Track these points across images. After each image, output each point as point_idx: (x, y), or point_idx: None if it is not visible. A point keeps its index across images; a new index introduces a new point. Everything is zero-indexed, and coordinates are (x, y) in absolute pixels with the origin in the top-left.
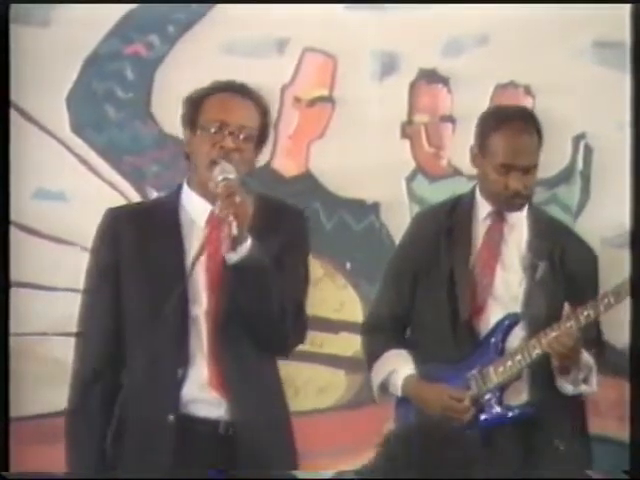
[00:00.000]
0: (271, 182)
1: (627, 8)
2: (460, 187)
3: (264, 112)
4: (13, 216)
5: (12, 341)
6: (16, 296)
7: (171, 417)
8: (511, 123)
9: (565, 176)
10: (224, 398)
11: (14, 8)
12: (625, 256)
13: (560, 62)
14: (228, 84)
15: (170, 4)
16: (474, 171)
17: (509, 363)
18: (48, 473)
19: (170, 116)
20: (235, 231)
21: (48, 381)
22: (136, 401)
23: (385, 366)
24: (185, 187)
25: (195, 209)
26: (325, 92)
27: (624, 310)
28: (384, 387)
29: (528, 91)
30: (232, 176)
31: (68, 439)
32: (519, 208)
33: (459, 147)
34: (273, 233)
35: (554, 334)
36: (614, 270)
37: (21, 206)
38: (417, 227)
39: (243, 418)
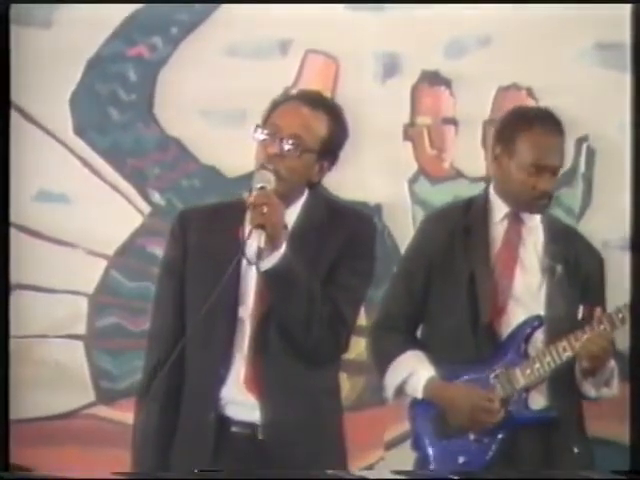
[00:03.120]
0: None
1: (628, 8)
2: (462, 189)
3: (334, 126)
4: (15, 218)
5: (12, 343)
6: (17, 298)
7: (212, 416)
8: (541, 123)
9: (567, 178)
10: (258, 400)
11: (14, 8)
12: (627, 259)
13: (563, 64)
14: (307, 93)
15: (173, 5)
16: (477, 173)
17: (537, 365)
18: (48, 475)
19: (173, 118)
20: (262, 243)
21: (48, 384)
22: (188, 399)
23: (403, 368)
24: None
25: None
26: (327, 94)
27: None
28: (401, 389)
29: (530, 93)
30: (268, 186)
31: (134, 434)
32: (542, 210)
33: (461, 149)
34: (335, 238)
35: (587, 336)
36: (616, 273)
37: (23, 208)
38: (430, 227)
39: (276, 421)
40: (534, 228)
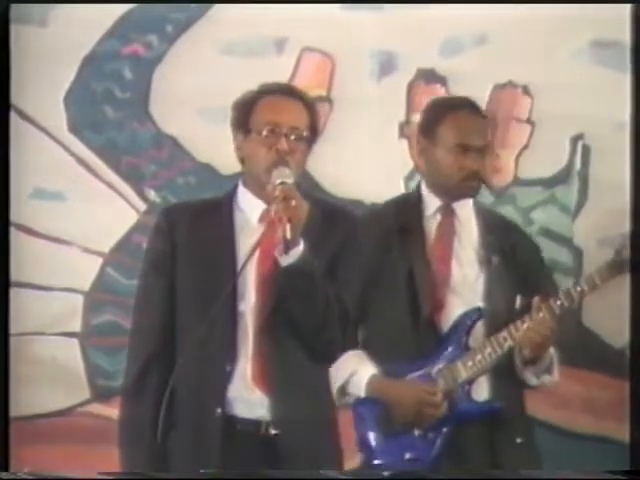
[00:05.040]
0: None
1: (626, 8)
2: None
3: (312, 113)
4: (11, 216)
5: (11, 341)
6: (13, 296)
7: (218, 411)
8: (462, 107)
9: (563, 176)
10: (266, 395)
11: (14, 8)
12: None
13: (558, 62)
14: (276, 86)
15: (169, 4)
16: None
17: (478, 357)
18: (48, 473)
19: (168, 116)
20: (289, 234)
21: (47, 381)
22: (186, 396)
23: (344, 368)
24: (241, 187)
25: (250, 208)
26: (323, 92)
27: (624, 310)
28: (343, 389)
29: (526, 91)
30: (290, 180)
31: (121, 434)
32: (473, 193)
33: None
34: (327, 237)
35: (526, 325)
36: None
37: (19, 206)
38: (364, 228)
39: (285, 416)
40: (467, 220)
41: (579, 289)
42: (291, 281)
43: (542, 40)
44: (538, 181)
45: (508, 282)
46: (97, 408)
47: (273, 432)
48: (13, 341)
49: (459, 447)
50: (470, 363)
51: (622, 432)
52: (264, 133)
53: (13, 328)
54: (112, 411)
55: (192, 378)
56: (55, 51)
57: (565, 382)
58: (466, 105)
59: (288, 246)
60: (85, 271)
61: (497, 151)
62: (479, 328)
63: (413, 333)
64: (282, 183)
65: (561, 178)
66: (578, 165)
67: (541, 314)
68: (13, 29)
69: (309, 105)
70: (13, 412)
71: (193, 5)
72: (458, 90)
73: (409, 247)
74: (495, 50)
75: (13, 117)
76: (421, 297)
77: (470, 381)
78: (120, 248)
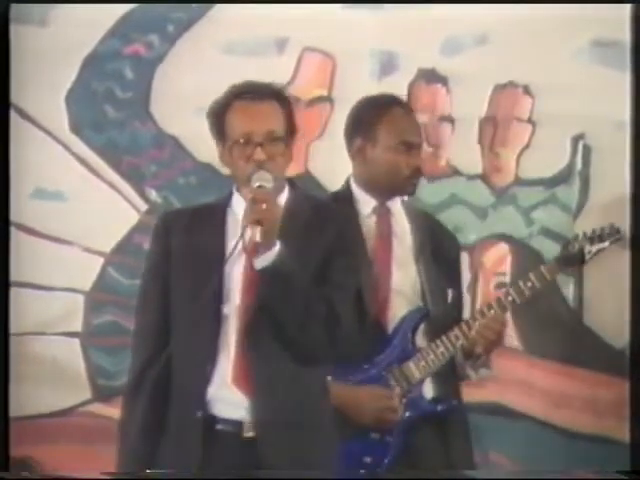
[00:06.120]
0: None
1: (627, 8)
2: (459, 187)
3: (288, 109)
4: (12, 216)
5: (11, 341)
6: (14, 296)
7: (199, 414)
8: (396, 105)
9: (564, 176)
10: (247, 396)
11: (14, 8)
12: (625, 256)
13: (559, 62)
14: (245, 87)
15: (170, 4)
16: (473, 171)
17: (431, 357)
18: (48, 473)
19: (169, 116)
20: (259, 238)
21: (48, 381)
22: (175, 397)
23: None
24: (234, 191)
25: (242, 212)
26: (324, 92)
27: (624, 310)
28: None
29: (527, 91)
30: (268, 184)
31: (120, 432)
32: (413, 190)
33: (458, 147)
34: (321, 235)
35: (480, 322)
36: (614, 270)
37: (20, 206)
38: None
39: (266, 418)
40: (400, 219)
41: (529, 284)
42: (268, 283)
43: (543, 40)
44: (539, 181)
45: (440, 278)
46: (98, 408)
47: (249, 434)
48: (14, 341)
49: (415, 448)
50: (423, 363)
51: (622, 432)
52: (240, 142)
53: (14, 328)
54: (113, 411)
55: (181, 380)
56: (56, 51)
57: (566, 381)
58: (397, 103)
59: (259, 249)
60: (86, 271)
61: (498, 150)
62: (422, 327)
63: (359, 335)
64: (259, 187)
65: (562, 178)
66: (579, 165)
67: (492, 311)
68: (13, 29)
69: (283, 101)
70: (13, 412)
71: (194, 5)
72: (459, 90)
73: (349, 250)
74: (496, 50)
75: (14, 117)
76: (364, 299)
77: (422, 381)
78: (121, 248)
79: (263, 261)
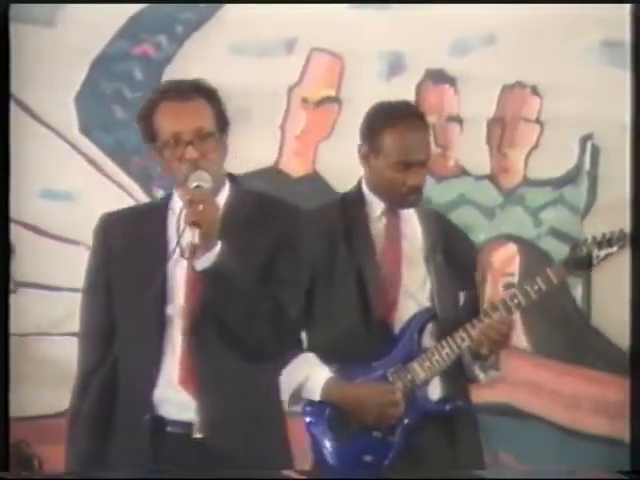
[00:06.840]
0: (278, 183)
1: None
2: (467, 187)
3: (216, 103)
4: (20, 216)
5: (13, 341)
6: (20, 296)
7: (147, 417)
8: (403, 119)
9: (572, 177)
10: (193, 397)
11: (16, 8)
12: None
13: (567, 62)
14: (169, 86)
15: (178, 4)
16: (481, 171)
17: (436, 357)
18: (48, 473)
19: None
20: (196, 239)
21: (49, 382)
22: (122, 399)
23: (297, 372)
24: (174, 191)
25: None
26: (332, 92)
27: (624, 310)
28: (297, 394)
29: (535, 91)
30: (206, 183)
31: (68, 437)
32: (414, 204)
33: (466, 147)
34: (266, 231)
35: (485, 324)
36: (617, 271)
37: (28, 206)
38: (305, 228)
39: (213, 418)
40: (410, 221)
41: (536, 287)
42: (210, 284)
43: (551, 40)
44: (547, 181)
45: (452, 280)
46: None
47: (198, 436)
48: (17, 342)
49: (419, 447)
50: (427, 364)
51: (622, 432)
52: (171, 142)
53: (17, 329)
54: None
55: (127, 383)
56: (66, 51)
57: (574, 382)
58: (408, 114)
59: (196, 251)
60: None
61: (506, 151)
62: (431, 328)
63: (365, 335)
64: (197, 187)
65: (570, 178)
66: (587, 165)
67: (497, 313)
68: (21, 28)
69: (211, 97)
70: (13, 412)
71: (203, 5)
72: (467, 90)
73: (357, 249)
74: (504, 50)
75: (24, 118)
76: (372, 299)
77: (427, 381)
78: None
79: (204, 262)
